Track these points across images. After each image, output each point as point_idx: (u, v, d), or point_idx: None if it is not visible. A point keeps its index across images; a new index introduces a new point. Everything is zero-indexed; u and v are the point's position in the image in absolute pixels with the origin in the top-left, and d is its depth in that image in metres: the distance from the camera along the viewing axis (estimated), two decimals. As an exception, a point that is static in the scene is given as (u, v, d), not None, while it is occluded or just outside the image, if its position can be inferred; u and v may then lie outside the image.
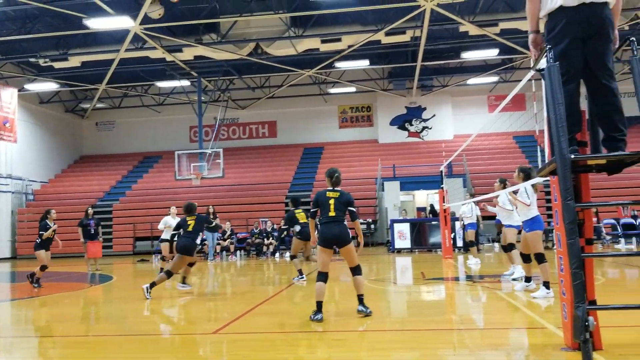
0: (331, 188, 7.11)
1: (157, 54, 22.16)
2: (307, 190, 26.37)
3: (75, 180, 30.06)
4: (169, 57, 22.67)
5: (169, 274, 9.18)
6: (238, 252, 20.66)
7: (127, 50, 21.28)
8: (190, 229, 9.53)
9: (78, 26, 19.40)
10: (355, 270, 6.86)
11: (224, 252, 20.29)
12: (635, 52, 4.00)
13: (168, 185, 27.58)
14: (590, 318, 3.53)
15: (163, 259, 13.46)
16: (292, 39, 21.11)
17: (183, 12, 20.01)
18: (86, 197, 27.39)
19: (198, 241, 10.16)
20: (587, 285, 4.23)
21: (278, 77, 28.93)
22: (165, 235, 13.30)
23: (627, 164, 4.28)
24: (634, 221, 19.15)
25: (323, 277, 6.67)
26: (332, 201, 6.91)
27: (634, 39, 4.07)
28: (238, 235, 21.17)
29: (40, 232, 11.58)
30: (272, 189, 26.62)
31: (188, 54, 22.51)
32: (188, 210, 9.79)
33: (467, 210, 13.86)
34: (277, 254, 19.92)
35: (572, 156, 3.90)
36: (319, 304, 6.52)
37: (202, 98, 26.65)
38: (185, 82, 27.00)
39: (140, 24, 18.63)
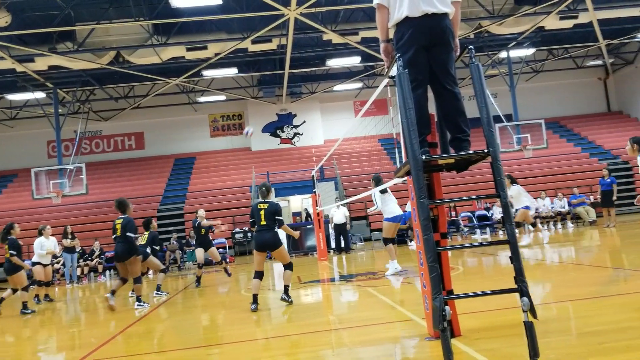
0: (262, 200, 8.19)
1: (6, 64, 20.42)
2: (180, 203, 25.71)
3: None
4: (19, 68, 20.98)
5: (290, 266, 8.27)
6: (107, 271, 19.59)
7: (-31, 60, 19.42)
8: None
9: None
10: (286, 266, 8.13)
11: (92, 273, 19.13)
12: (473, 59, 4.35)
13: (26, 206, 25.53)
14: (447, 307, 3.77)
15: (39, 283, 12.29)
16: (155, 47, 20.46)
17: (34, 19, 18.62)
18: None
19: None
20: (443, 277, 4.55)
21: (143, 87, 27.87)
22: (36, 259, 12.31)
23: (472, 161, 4.64)
24: (487, 213, 20.87)
25: (258, 275, 8.04)
26: (262, 212, 7.98)
27: (472, 47, 4.43)
28: (106, 254, 20.06)
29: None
30: (143, 203, 25.57)
31: (41, 63, 20.97)
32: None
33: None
34: (151, 271, 19.17)
35: (424, 157, 4.16)
36: (255, 296, 7.83)
37: (60, 110, 24.94)
38: (40, 94, 25.14)
39: (-16, 32, 17.10)
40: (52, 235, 12.85)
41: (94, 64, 21.38)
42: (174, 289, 12.70)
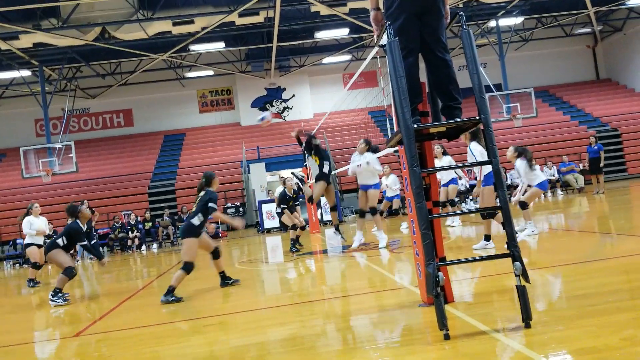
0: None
1: (-11, 41, 20.11)
2: (171, 179, 25.65)
3: None
4: (4, 46, 20.65)
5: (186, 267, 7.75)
6: (100, 249, 19.57)
7: (-49, 38, 19.07)
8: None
9: None
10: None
11: (84, 251, 19.10)
12: (464, 26, 4.32)
13: (15, 185, 25.39)
14: (440, 274, 3.82)
15: (35, 265, 11.01)
16: (141, 21, 20.18)
17: (16, -5, 18.28)
18: None
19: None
20: (436, 244, 4.60)
21: (130, 63, 27.52)
22: (29, 240, 11.29)
23: (463, 129, 4.66)
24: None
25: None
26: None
27: (462, 14, 4.40)
28: (99, 231, 20.05)
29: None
30: (133, 180, 25.52)
31: (26, 41, 20.65)
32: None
33: (392, 183, 14.67)
34: (144, 247, 19.24)
35: (415, 125, 4.16)
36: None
37: (47, 88, 24.63)
38: (26, 72, 24.78)
39: (-35, 9, 16.77)
40: (42, 214, 12.05)
41: (79, 40, 21.07)
42: (168, 264, 12.75)
